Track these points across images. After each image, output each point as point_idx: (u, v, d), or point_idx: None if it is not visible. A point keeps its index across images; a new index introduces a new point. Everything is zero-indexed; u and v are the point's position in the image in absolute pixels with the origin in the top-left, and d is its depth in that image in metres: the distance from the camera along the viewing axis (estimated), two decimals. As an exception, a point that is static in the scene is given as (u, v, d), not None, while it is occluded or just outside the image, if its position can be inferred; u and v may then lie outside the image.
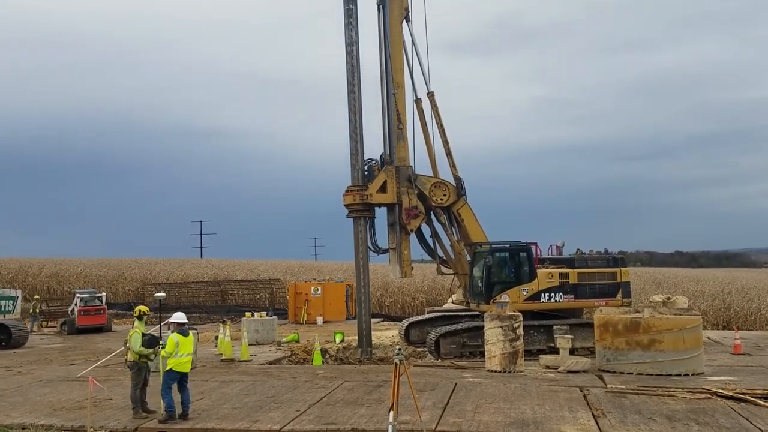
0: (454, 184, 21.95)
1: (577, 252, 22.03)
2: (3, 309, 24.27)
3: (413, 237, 22.15)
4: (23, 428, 11.78)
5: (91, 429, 11.45)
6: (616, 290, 20.85)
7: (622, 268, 21.18)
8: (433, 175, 22.19)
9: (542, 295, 20.40)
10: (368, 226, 21.83)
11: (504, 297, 19.98)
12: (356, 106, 21.72)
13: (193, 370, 17.79)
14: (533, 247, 21.19)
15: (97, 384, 12.42)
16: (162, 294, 16.79)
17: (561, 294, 20.52)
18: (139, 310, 13.48)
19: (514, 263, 20.95)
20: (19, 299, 25.51)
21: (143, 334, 12.80)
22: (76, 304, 30.71)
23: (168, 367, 12.18)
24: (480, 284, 20.90)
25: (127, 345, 12.81)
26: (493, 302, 19.97)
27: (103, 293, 33.73)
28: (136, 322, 13.17)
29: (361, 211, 21.36)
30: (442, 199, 21.74)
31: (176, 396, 12.39)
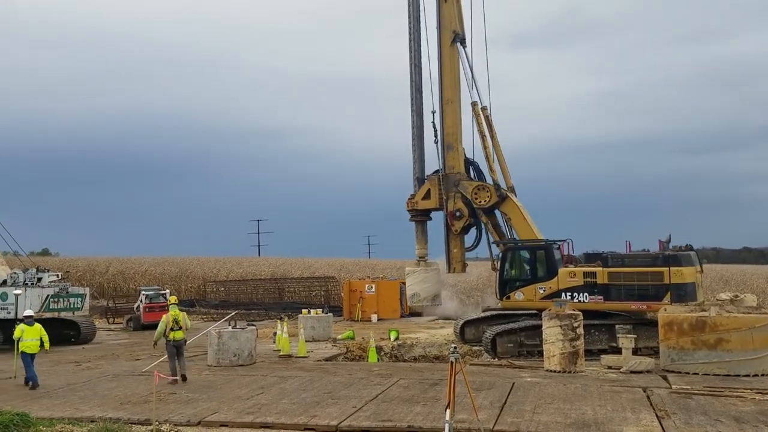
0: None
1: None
2: (72, 306, 25.23)
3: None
4: (92, 421, 12.21)
5: (156, 422, 11.79)
6: (663, 293, 18.81)
7: (672, 268, 18.82)
8: (504, 178, 23.83)
9: (563, 294, 19.66)
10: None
11: (518, 295, 20.34)
12: (416, 123, 24.96)
13: (252, 366, 18.33)
14: (565, 245, 20.98)
15: (162, 377, 12.83)
16: (19, 291, 21.74)
17: (586, 294, 19.60)
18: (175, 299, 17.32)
19: (530, 261, 20.88)
20: (88, 297, 26.48)
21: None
22: (141, 301, 31.74)
23: (21, 350, 15.60)
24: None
25: (187, 327, 16.57)
26: (507, 299, 20.87)
27: (167, 290, 34.75)
28: (177, 309, 16.41)
29: (415, 216, 24.89)
30: (485, 201, 23.17)
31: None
